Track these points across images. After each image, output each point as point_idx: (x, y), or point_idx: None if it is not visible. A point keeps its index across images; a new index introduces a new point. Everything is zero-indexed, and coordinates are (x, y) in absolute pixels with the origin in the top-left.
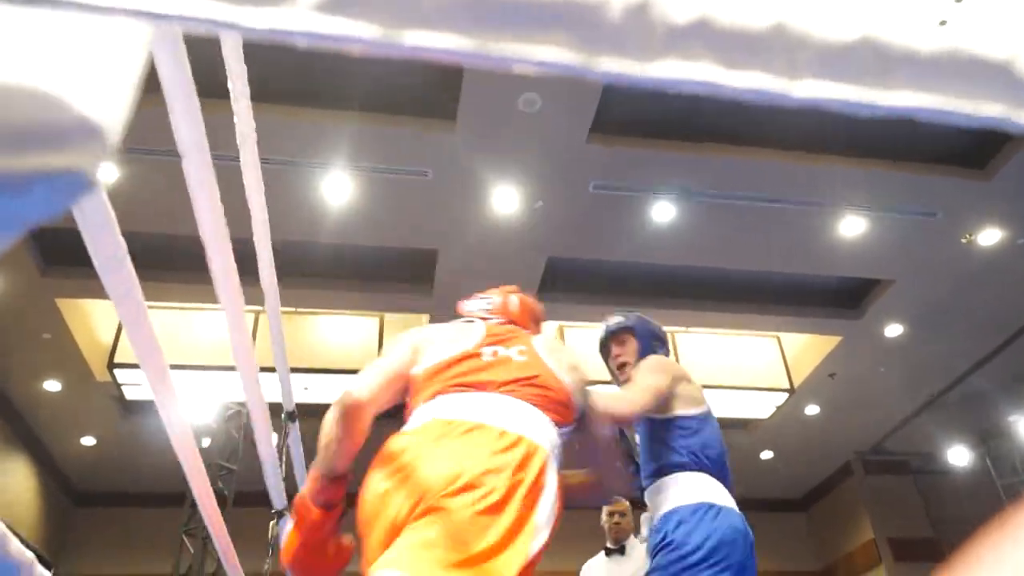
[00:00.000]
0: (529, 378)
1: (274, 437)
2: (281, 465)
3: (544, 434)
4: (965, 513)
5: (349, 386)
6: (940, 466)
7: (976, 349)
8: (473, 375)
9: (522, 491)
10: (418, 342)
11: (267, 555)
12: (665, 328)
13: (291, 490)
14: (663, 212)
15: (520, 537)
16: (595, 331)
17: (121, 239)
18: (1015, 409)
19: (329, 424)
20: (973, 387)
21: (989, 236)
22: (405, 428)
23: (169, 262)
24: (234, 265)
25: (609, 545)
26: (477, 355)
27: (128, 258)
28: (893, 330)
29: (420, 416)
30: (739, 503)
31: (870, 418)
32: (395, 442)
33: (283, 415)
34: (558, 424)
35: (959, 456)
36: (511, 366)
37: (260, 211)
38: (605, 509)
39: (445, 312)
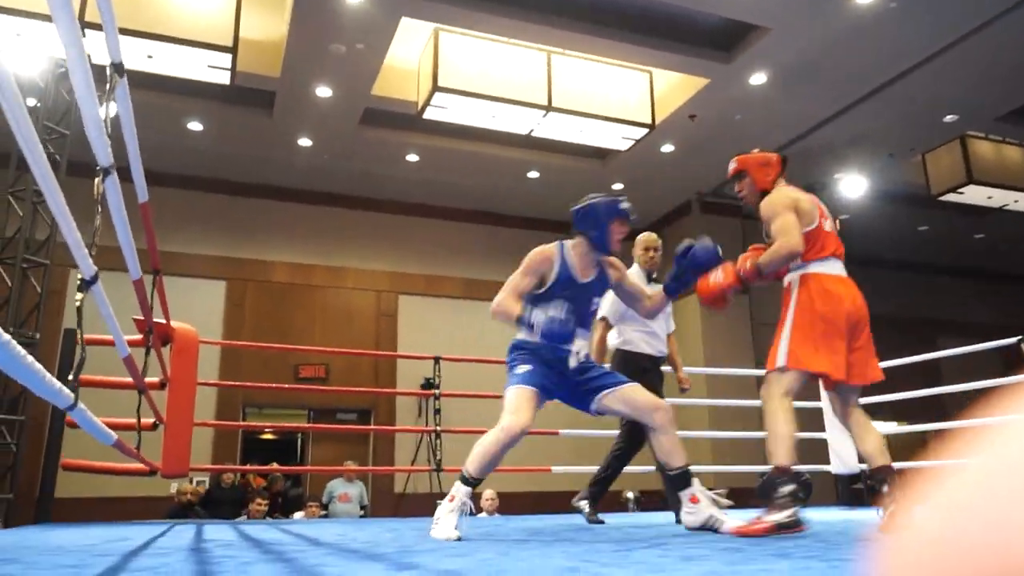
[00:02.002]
0: None
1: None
2: (106, 125)
3: None
4: None
5: None
6: None
7: (827, 107)
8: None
9: None
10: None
11: (95, 218)
12: (540, 47)
13: (118, 150)
14: None
15: None
16: (470, 37)
17: None
18: (840, 167)
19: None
20: (813, 142)
21: None
22: None
23: None
24: None
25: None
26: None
27: None
28: (758, 79)
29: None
30: None
31: (716, 162)
32: None
33: (108, 67)
34: None
35: None
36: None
37: None
38: (640, 243)
39: None
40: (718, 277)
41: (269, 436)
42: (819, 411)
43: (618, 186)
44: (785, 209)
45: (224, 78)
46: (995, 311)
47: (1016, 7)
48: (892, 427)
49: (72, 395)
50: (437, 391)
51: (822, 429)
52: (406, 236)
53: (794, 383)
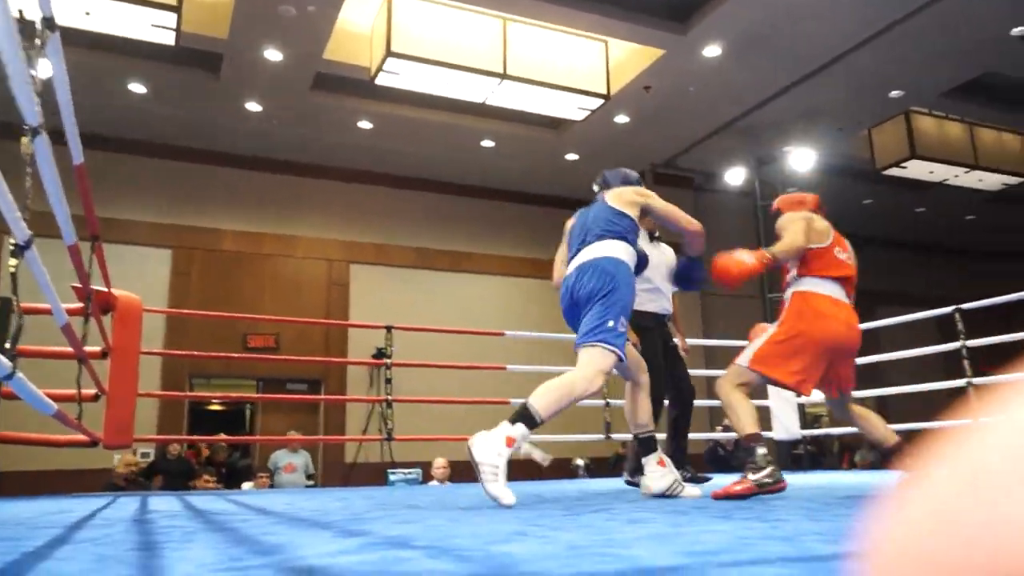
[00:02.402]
0: None
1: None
2: (35, 82)
3: None
4: (727, 226)
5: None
6: (717, 185)
7: (779, 81)
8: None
9: None
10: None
11: (25, 187)
12: (495, 14)
13: (51, 104)
14: None
15: None
16: (425, 1)
17: None
18: (789, 141)
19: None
20: (764, 116)
21: None
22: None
23: None
24: None
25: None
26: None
27: None
28: (712, 51)
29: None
30: (539, 198)
31: (670, 134)
32: None
33: (38, 21)
34: None
35: (735, 177)
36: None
37: None
38: None
39: None
40: (744, 261)
41: (217, 407)
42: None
43: (572, 157)
44: (798, 219)
45: (168, 38)
46: (932, 282)
47: None
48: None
49: (10, 364)
50: (389, 360)
51: (766, 398)
52: (358, 204)
53: (750, 379)
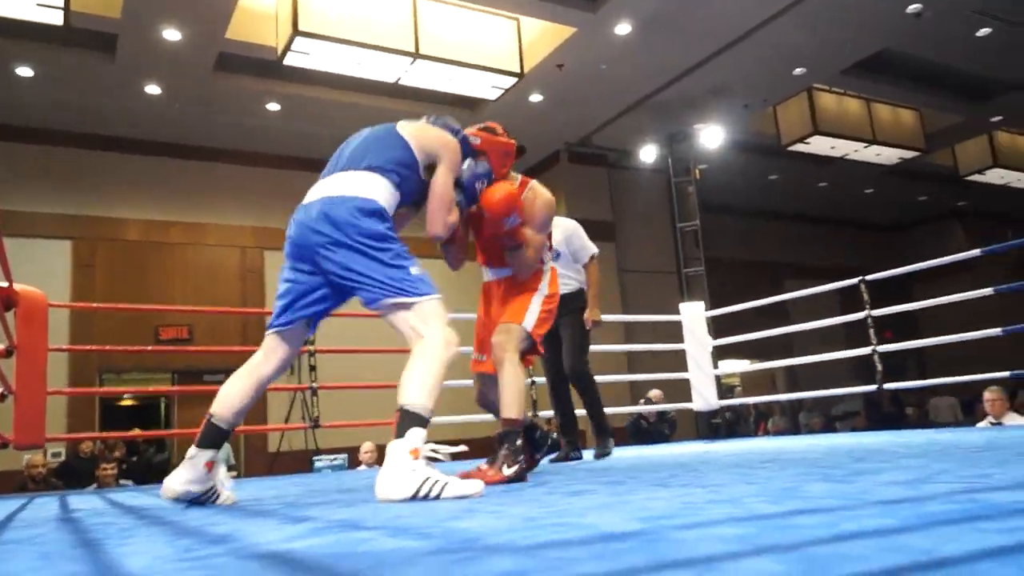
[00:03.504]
0: None
1: None
2: None
3: None
4: (639, 204)
5: None
6: (630, 162)
7: (687, 59)
8: None
9: None
10: None
11: None
12: None
13: None
14: None
15: None
16: None
17: None
18: (699, 118)
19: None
20: (673, 94)
21: None
22: None
23: None
24: None
25: None
26: None
27: None
28: (623, 28)
29: None
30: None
31: (583, 112)
32: None
33: None
34: None
35: (648, 154)
36: None
37: None
38: None
39: None
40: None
41: (130, 402)
42: (684, 353)
43: None
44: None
45: (56, 18)
46: (834, 255)
47: None
48: (745, 365)
49: None
50: (312, 347)
51: (685, 371)
52: (270, 189)
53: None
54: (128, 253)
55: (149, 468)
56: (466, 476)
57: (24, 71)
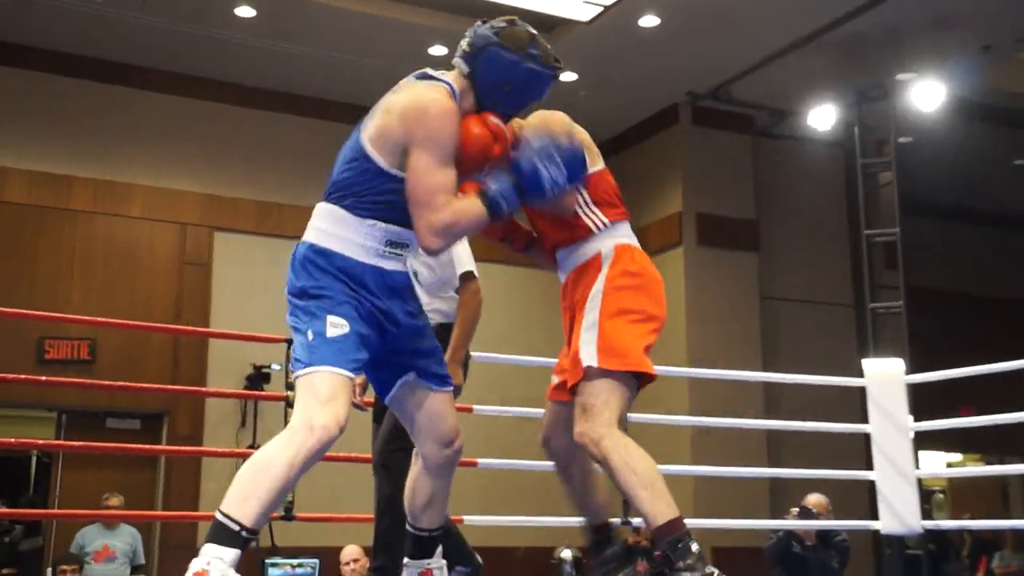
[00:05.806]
0: None
1: None
2: None
3: None
4: (800, 196)
5: None
6: (790, 130)
7: None
8: None
9: None
10: None
11: None
12: None
13: None
14: None
15: None
16: None
17: None
18: (908, 65)
19: None
20: (866, 24)
21: None
22: None
23: None
24: None
25: None
26: None
27: None
28: None
29: None
30: None
31: (720, 47)
32: None
33: None
34: None
35: (821, 118)
36: None
37: None
38: None
39: None
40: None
41: None
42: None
43: (571, 76)
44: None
45: None
46: None
47: None
48: (955, 461)
49: None
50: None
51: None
52: (230, 137)
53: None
54: (2, 222)
55: (13, 559)
56: None
57: None
